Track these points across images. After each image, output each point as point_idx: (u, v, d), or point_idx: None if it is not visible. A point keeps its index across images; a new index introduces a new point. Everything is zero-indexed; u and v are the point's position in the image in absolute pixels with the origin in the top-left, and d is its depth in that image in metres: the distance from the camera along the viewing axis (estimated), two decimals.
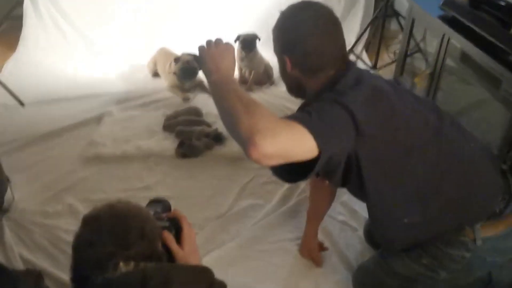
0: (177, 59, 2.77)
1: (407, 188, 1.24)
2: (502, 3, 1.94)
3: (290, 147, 1.00)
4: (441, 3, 2.28)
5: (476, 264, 1.28)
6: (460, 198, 1.24)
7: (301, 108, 1.27)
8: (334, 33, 1.26)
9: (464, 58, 2.06)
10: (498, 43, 1.79)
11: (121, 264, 0.92)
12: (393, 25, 3.59)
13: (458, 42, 2.08)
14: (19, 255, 1.65)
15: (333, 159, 1.14)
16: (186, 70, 2.76)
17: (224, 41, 1.21)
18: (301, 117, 1.06)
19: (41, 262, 1.63)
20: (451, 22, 2.17)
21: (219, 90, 1.09)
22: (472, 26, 1.98)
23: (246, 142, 0.96)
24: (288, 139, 0.99)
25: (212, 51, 1.14)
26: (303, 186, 2.01)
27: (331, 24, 1.25)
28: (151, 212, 1.18)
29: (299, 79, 1.29)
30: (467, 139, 1.30)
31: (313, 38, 1.23)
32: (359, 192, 1.32)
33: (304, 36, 1.23)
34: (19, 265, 1.60)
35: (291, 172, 1.13)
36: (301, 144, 1.01)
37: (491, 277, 1.36)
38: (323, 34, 1.23)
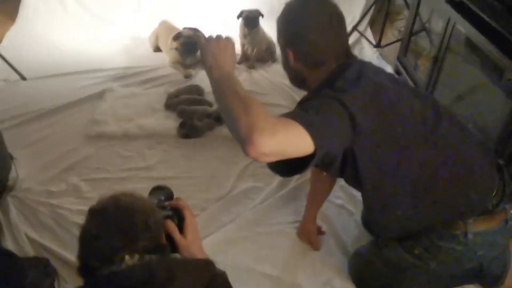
0: (177, 36, 2.74)
1: (401, 182, 1.26)
2: None
3: (287, 145, 1.03)
4: None
5: (466, 256, 1.33)
6: (453, 194, 1.27)
7: (300, 103, 1.27)
8: (337, 28, 1.26)
9: (469, 43, 2.05)
10: (504, 32, 1.78)
11: (127, 257, 0.95)
12: (399, 0, 3.52)
13: (463, 27, 2.06)
14: (25, 234, 1.69)
15: (329, 154, 1.17)
16: (187, 45, 2.75)
17: (225, 33, 1.20)
18: (299, 114, 1.09)
19: (47, 242, 1.67)
20: (458, 6, 2.14)
21: (220, 88, 1.09)
22: (478, 12, 1.95)
23: (244, 141, 0.99)
24: (285, 138, 1.02)
25: (213, 47, 1.13)
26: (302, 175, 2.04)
27: (334, 19, 1.25)
28: (155, 201, 1.21)
29: (301, 72, 1.31)
30: (465, 136, 1.32)
31: (315, 33, 1.24)
32: (355, 183, 1.36)
33: (307, 30, 1.24)
34: (25, 245, 1.64)
35: (287, 166, 1.15)
36: (297, 142, 1.04)
37: (482, 268, 1.42)
38: (326, 29, 1.24)
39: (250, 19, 2.82)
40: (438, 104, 1.33)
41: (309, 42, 1.24)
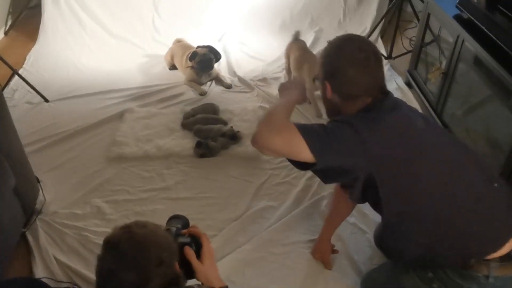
0: (193, 55, 2.83)
1: (419, 212, 1.32)
2: None
3: (285, 148, 1.26)
4: (458, 1, 2.27)
5: None
6: (469, 231, 1.30)
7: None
8: (374, 67, 1.36)
9: (477, 62, 2.08)
10: (511, 53, 1.81)
11: None
12: (410, 7, 3.54)
13: (472, 45, 2.09)
14: (54, 257, 1.78)
15: (337, 171, 1.32)
16: (203, 63, 2.84)
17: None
18: (305, 128, 1.28)
19: (74, 264, 1.76)
20: (466, 24, 2.17)
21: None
22: (487, 31, 1.98)
23: (255, 131, 1.27)
24: (285, 141, 1.24)
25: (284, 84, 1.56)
26: (315, 188, 2.10)
27: (372, 58, 1.35)
28: (173, 229, 1.29)
29: (337, 104, 1.41)
30: (484, 177, 1.35)
31: (351, 69, 1.34)
32: (376, 208, 1.44)
33: (344, 66, 1.35)
34: (55, 268, 1.73)
35: (300, 163, 1.31)
36: (296, 149, 1.25)
37: None
38: (362, 67, 1.34)
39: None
40: (458, 141, 1.45)
41: (347, 76, 1.34)
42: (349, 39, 1.42)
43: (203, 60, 2.85)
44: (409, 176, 1.29)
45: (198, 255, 1.26)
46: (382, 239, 1.59)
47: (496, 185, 1.35)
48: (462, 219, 1.30)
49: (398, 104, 1.38)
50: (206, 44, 2.96)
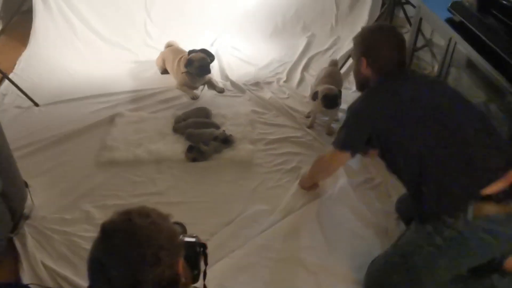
0: (189, 62, 2.80)
1: (415, 166, 1.54)
2: (511, 6, 1.94)
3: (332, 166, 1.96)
4: (449, 5, 2.28)
5: (470, 240, 1.44)
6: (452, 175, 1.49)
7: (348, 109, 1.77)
8: (400, 48, 1.71)
9: (470, 64, 2.08)
10: (503, 55, 1.81)
11: None
12: (402, 13, 3.56)
13: (464, 48, 2.09)
14: (42, 263, 1.74)
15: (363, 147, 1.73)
16: (203, 68, 2.82)
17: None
18: (336, 142, 1.78)
19: (62, 270, 1.72)
20: (458, 27, 2.17)
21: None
22: (479, 33, 1.99)
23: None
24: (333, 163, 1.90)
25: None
26: (308, 192, 2.10)
27: (400, 41, 1.72)
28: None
29: (368, 77, 1.74)
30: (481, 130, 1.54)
31: (387, 48, 1.69)
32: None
33: (380, 44, 1.70)
34: (43, 274, 1.70)
35: None
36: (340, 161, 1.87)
37: (502, 261, 1.56)
38: (394, 47, 1.70)
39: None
40: (452, 91, 1.69)
41: (382, 54, 1.69)
42: (384, 25, 1.96)
43: (203, 65, 2.83)
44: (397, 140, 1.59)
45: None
46: (401, 202, 1.93)
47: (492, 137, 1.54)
48: (452, 167, 1.49)
49: (410, 78, 1.73)
50: (196, 48, 2.95)
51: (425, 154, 1.52)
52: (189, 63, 2.81)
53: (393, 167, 1.69)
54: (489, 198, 1.42)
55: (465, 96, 1.67)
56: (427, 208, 1.53)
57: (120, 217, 0.98)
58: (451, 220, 1.45)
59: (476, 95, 2.10)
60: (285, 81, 3.02)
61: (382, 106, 1.62)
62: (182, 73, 2.85)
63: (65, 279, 1.69)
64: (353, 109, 1.72)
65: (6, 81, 2.81)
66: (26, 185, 2.03)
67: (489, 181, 1.41)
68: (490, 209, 1.42)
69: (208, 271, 1.68)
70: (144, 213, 0.99)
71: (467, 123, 1.54)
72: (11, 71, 3.08)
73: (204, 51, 2.90)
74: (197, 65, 2.80)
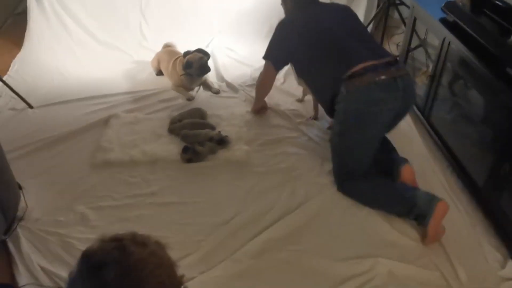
0: (188, 64, 2.78)
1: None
2: (503, 6, 1.95)
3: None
4: (443, 4, 2.28)
5: (350, 107, 1.95)
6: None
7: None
8: None
9: (464, 63, 2.09)
10: (496, 54, 1.81)
11: None
12: (397, 14, 3.57)
13: (458, 47, 2.10)
14: (37, 264, 1.73)
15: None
16: (203, 67, 2.81)
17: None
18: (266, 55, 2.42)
19: (58, 271, 1.71)
20: (452, 27, 2.18)
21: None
22: (472, 32, 2.00)
23: None
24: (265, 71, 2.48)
25: None
26: (305, 192, 2.09)
27: None
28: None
29: (289, 9, 2.37)
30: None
31: None
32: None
33: None
34: (39, 274, 1.68)
35: None
36: (266, 72, 2.48)
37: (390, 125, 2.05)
38: None
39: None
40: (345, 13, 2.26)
41: None
42: None
43: (203, 65, 2.81)
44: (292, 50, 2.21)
45: None
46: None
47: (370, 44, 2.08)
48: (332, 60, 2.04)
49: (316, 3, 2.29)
50: (192, 48, 2.94)
51: (311, 60, 2.11)
52: (188, 65, 2.79)
53: (306, 80, 2.28)
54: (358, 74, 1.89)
55: (357, 18, 2.25)
56: (328, 103, 2.06)
57: (110, 245, 0.78)
58: (338, 98, 1.96)
59: (469, 93, 2.10)
60: (282, 83, 3.01)
61: (288, 31, 2.23)
62: (181, 75, 2.83)
63: (61, 278, 1.67)
64: (275, 31, 2.32)
65: (0, 83, 2.80)
66: (20, 187, 2.02)
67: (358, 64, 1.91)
68: (358, 82, 1.89)
69: (206, 274, 1.70)
70: (140, 240, 0.81)
71: (348, 38, 2.04)
72: (5, 73, 3.07)
73: (199, 50, 2.89)
74: (197, 66, 2.79)
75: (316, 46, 2.10)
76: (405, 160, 2.06)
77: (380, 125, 1.98)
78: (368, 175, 2.04)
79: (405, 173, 2.00)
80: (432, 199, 1.82)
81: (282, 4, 2.41)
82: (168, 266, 0.82)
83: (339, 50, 2.02)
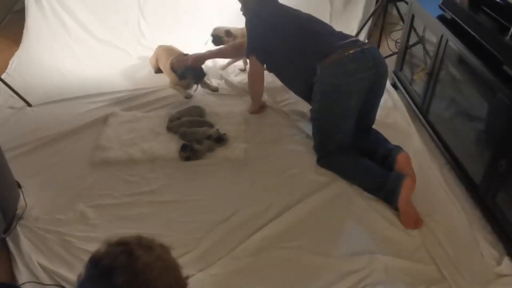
0: (182, 76, 2.78)
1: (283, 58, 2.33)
2: (501, 3, 1.95)
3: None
4: (441, 2, 2.28)
5: (327, 83, 2.12)
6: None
7: None
8: None
9: (461, 61, 2.09)
10: (493, 51, 1.82)
11: None
12: (395, 10, 3.57)
13: (455, 45, 2.10)
14: (37, 263, 1.74)
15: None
16: (197, 74, 2.80)
17: None
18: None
19: (58, 269, 1.72)
20: (450, 24, 2.18)
21: None
22: (469, 30, 2.00)
23: None
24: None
25: None
26: (304, 190, 2.10)
27: None
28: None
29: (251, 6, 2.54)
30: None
31: None
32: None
33: None
34: (39, 273, 1.69)
35: None
36: (253, 65, 2.55)
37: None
38: None
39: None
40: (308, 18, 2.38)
41: None
42: None
43: (197, 73, 2.79)
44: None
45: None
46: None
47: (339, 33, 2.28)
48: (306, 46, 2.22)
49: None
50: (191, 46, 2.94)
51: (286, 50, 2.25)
52: (182, 77, 2.78)
53: (280, 72, 2.42)
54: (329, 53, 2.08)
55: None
56: (305, 89, 2.22)
57: (118, 249, 0.80)
58: (314, 79, 2.12)
59: (468, 91, 2.11)
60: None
61: (261, 26, 2.39)
62: (181, 81, 2.83)
63: (63, 277, 1.68)
64: (247, 27, 2.48)
65: None
66: (19, 185, 2.03)
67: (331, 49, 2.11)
68: (329, 60, 2.07)
69: (205, 271, 1.71)
70: (145, 244, 0.82)
71: (316, 26, 2.27)
72: (4, 71, 3.07)
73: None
74: (191, 76, 2.77)
75: (287, 36, 2.27)
76: (400, 148, 2.12)
77: (356, 95, 2.11)
78: (347, 151, 2.19)
79: (401, 159, 2.06)
80: (400, 176, 1.97)
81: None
82: (174, 269, 0.85)
83: (307, 37, 2.22)
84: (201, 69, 2.81)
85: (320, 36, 2.21)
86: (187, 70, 2.75)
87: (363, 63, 2.08)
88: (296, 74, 2.29)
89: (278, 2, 2.51)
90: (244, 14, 2.57)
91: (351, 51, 2.07)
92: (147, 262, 0.78)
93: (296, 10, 2.43)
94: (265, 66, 2.50)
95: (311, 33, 2.24)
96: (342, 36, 2.24)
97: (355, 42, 2.14)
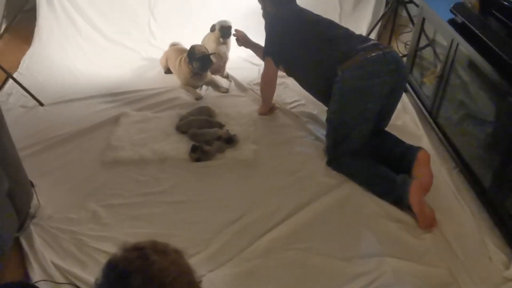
0: (191, 52, 2.81)
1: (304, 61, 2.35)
2: None
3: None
4: (452, 6, 2.28)
5: (349, 84, 2.12)
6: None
7: None
8: None
9: (472, 65, 2.09)
10: (504, 56, 1.82)
11: None
12: (405, 12, 3.57)
13: (466, 49, 2.10)
14: (50, 261, 1.76)
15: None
16: (203, 60, 2.82)
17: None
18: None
19: (71, 268, 1.74)
20: (461, 28, 2.18)
21: None
22: (480, 35, 2.00)
23: None
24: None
25: None
26: (313, 192, 2.12)
27: None
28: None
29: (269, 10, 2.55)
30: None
31: None
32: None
33: None
34: (53, 272, 1.71)
35: None
36: (268, 67, 2.55)
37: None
38: None
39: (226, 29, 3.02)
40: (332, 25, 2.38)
41: None
42: None
43: (203, 59, 2.82)
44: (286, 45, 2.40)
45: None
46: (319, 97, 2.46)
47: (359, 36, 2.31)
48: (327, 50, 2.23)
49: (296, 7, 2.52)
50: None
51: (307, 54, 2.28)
52: (191, 53, 2.81)
53: (300, 74, 2.44)
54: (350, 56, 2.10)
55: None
56: (324, 91, 2.23)
57: (133, 254, 0.82)
58: (335, 80, 2.13)
59: (478, 95, 2.11)
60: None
61: (280, 27, 2.41)
62: (186, 68, 2.85)
63: (76, 276, 1.70)
64: (266, 30, 2.49)
65: (11, 81, 2.84)
66: (32, 184, 2.05)
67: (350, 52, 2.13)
68: (351, 62, 2.09)
69: (215, 272, 1.73)
70: (160, 248, 0.85)
71: (337, 31, 2.28)
72: (15, 70, 3.11)
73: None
74: (198, 56, 2.80)
75: (307, 38, 2.30)
76: (421, 147, 2.15)
77: (375, 99, 2.11)
78: (358, 154, 2.19)
79: (422, 156, 2.07)
80: (406, 181, 1.99)
81: (260, 2, 2.57)
82: (188, 273, 0.86)
83: (328, 41, 2.23)
84: (210, 59, 2.84)
85: (341, 40, 2.22)
86: (199, 57, 2.79)
87: (385, 67, 2.09)
88: (316, 77, 2.30)
89: (297, 6, 2.53)
90: (263, 17, 2.57)
91: (372, 54, 2.08)
92: (162, 266, 0.80)
93: (316, 14, 2.44)
94: (283, 69, 2.52)
95: (332, 36, 2.25)
96: (363, 39, 2.25)
97: (377, 45, 2.15)
